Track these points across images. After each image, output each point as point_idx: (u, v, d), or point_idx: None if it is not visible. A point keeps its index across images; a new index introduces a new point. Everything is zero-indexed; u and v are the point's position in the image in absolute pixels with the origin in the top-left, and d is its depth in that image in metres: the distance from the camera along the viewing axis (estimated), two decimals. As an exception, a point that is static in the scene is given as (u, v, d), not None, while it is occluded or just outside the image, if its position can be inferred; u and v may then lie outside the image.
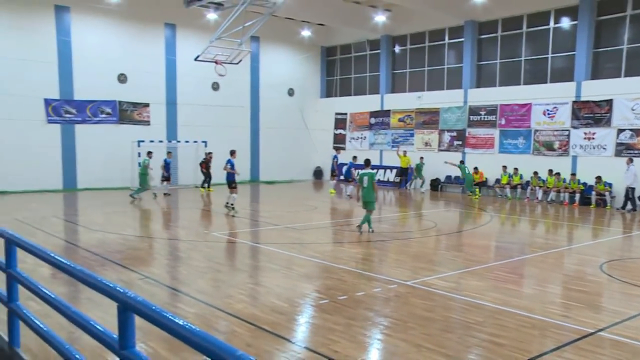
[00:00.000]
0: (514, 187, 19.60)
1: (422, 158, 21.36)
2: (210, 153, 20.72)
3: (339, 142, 26.68)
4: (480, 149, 21.09)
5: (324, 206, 16.84)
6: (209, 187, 20.77)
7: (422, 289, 6.91)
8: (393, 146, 23.86)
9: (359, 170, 10.87)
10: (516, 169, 19.71)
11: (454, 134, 21.95)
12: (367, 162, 11.15)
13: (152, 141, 21.00)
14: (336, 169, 20.05)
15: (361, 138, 25.58)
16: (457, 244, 10.40)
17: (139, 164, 18.18)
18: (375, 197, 10.79)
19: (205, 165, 20.35)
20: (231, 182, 13.72)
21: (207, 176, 20.32)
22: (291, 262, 8.38)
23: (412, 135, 23.42)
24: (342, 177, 20.19)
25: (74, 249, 9.39)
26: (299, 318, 5.71)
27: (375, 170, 10.50)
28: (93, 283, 2.81)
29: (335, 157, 19.94)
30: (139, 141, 20.73)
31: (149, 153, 18.09)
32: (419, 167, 20.83)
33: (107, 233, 11.03)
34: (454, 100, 21.76)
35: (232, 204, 13.86)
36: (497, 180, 20.35)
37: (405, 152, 21.86)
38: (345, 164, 19.80)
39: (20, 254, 3.93)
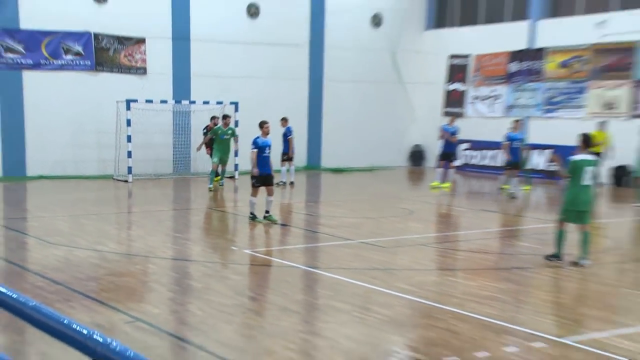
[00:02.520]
0: None
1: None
2: (215, 117, 20.84)
3: (453, 104, 27.48)
4: None
5: (426, 210, 17.18)
6: (220, 177, 21.17)
7: (591, 351, 6.90)
8: (547, 111, 24.26)
9: (572, 157, 10.49)
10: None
11: None
12: (586, 141, 10.55)
13: (149, 101, 21.79)
14: (452, 150, 20.66)
15: (492, 97, 26.16)
16: None
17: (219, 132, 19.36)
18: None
19: (210, 140, 20.49)
20: (262, 177, 13.65)
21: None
22: (369, 300, 8.64)
23: (581, 91, 23.56)
24: (455, 162, 20.67)
25: (19, 275, 9.62)
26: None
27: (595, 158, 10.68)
28: (53, 328, 2.81)
29: (448, 128, 20.36)
30: (129, 101, 21.15)
31: (226, 117, 19.54)
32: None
33: (75, 249, 11.30)
34: None
35: (254, 213, 14.13)
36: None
37: (603, 123, 20.21)
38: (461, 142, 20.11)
39: None
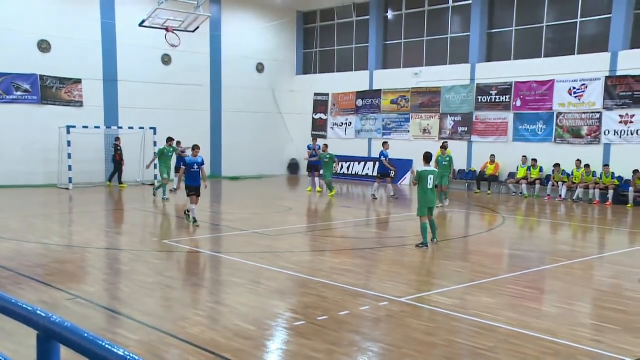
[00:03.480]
0: (531, 183, 19.65)
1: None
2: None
3: (318, 128, 27.29)
4: (489, 137, 21.52)
5: (301, 207, 17.09)
6: (119, 181, 21.10)
7: (420, 307, 7.02)
8: (384, 134, 24.55)
9: (417, 168, 10.89)
10: (535, 161, 19.84)
11: (459, 118, 22.47)
12: (428, 157, 11.04)
13: (85, 127, 20.80)
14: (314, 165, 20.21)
15: (346, 124, 26.28)
16: (463, 253, 10.59)
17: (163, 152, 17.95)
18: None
19: (117, 154, 20.93)
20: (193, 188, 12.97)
21: (117, 168, 21.08)
22: (260, 276, 8.51)
23: (407, 120, 24.06)
24: (317, 173, 20.13)
25: (-26, 264, 9.15)
26: (269, 344, 5.75)
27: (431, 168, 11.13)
28: (4, 307, 2.66)
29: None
30: (69, 127, 20.34)
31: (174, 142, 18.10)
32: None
33: (25, 242, 10.82)
34: (459, 78, 22.26)
35: (195, 218, 12.98)
36: (511, 175, 20.61)
37: (445, 144, 18.16)
38: (314, 157, 19.74)
39: None
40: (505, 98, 21.09)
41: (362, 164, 25.59)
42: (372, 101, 25.21)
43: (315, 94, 27.30)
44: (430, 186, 10.62)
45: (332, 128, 26.88)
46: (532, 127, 20.42)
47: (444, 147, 16.99)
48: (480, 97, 21.73)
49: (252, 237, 11.61)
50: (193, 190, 12.56)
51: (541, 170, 19.74)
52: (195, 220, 12.50)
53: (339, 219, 14.74)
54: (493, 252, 10.78)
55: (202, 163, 12.46)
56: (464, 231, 13.67)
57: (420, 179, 10.57)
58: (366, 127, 25.60)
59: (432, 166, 11.16)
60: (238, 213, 14.93)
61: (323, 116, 27.19)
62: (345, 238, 12.05)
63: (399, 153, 23.12)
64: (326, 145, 18.13)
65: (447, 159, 16.19)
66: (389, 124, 24.76)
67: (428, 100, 23.28)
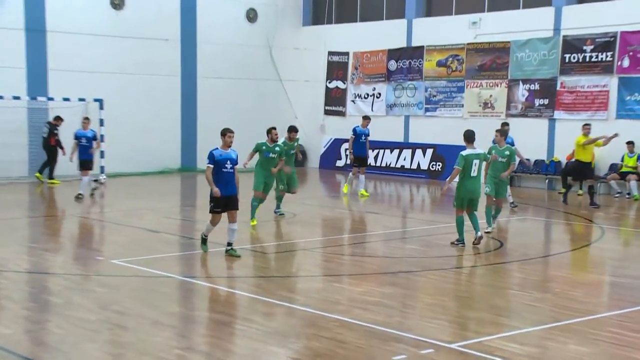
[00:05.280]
0: None
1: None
2: (58, 120, 20.75)
3: (334, 102, 27.46)
4: (581, 112, 21.47)
5: (310, 212, 17.21)
6: (50, 176, 21.10)
7: (478, 356, 7.01)
8: (427, 109, 24.68)
9: (462, 152, 12.09)
10: (631, 143, 20.15)
11: (536, 86, 22.48)
12: (470, 136, 12.23)
13: None
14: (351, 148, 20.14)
15: (373, 96, 26.28)
16: (541, 280, 10.76)
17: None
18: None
19: (53, 138, 21.08)
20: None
21: (52, 158, 21.23)
22: (251, 310, 8.61)
23: (460, 90, 24.09)
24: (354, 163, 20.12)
25: None
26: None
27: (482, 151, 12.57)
28: None
29: (361, 130, 19.73)
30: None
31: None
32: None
33: None
34: (537, 28, 22.29)
35: (206, 236, 12.04)
36: (613, 167, 20.84)
37: (587, 129, 18.29)
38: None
39: None
40: (606, 56, 21.08)
41: (397, 152, 25.70)
42: (410, 63, 25.35)
43: (330, 53, 27.49)
44: (474, 173, 11.93)
45: (353, 101, 26.93)
46: (645, 98, 20.51)
47: (502, 131, 14.87)
48: (567, 56, 21.82)
49: (241, 255, 11.59)
50: (227, 204, 11.50)
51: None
52: (231, 250, 11.68)
53: (363, 230, 14.94)
54: (586, 279, 11.00)
55: (236, 162, 11.54)
56: (543, 248, 13.76)
57: (464, 165, 11.81)
58: (402, 100, 25.62)
59: (477, 148, 12.24)
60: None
61: (341, 84, 27.24)
62: (372, 257, 12.24)
63: (447, 137, 23.05)
64: (295, 131, 16.94)
65: (506, 152, 14.04)
66: (434, 96, 24.77)
67: (491, 60, 23.38)
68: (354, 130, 19.70)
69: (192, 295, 9.68)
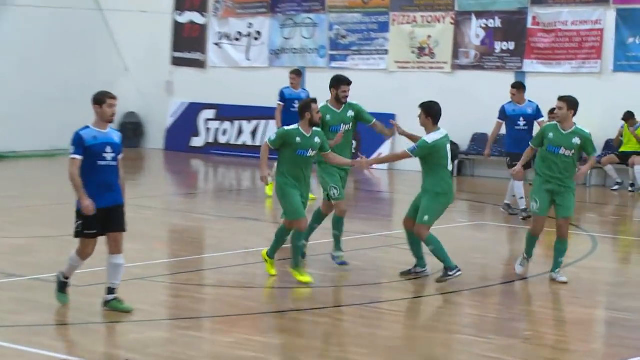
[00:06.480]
0: None
1: None
2: None
3: (186, 46, 27.37)
4: (562, 63, 21.49)
5: (145, 223, 15.90)
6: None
7: None
8: (333, 58, 24.67)
9: (425, 138, 11.57)
10: None
11: (496, 22, 22.40)
12: (439, 114, 11.73)
13: None
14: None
15: (249, 36, 26.18)
16: (505, 318, 10.35)
17: None
18: None
19: None
20: None
21: None
22: None
23: (383, 28, 23.96)
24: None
25: None
26: None
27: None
28: None
29: (291, 94, 19.12)
30: None
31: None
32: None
33: None
34: None
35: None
36: (609, 144, 21.26)
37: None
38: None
39: None
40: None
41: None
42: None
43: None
44: (450, 166, 11.88)
45: (217, 45, 26.59)
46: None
47: (560, 109, 13.17)
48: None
49: (32, 291, 10.78)
50: (107, 221, 10.61)
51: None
52: (115, 302, 10.72)
53: (235, 246, 14.39)
54: (570, 315, 10.63)
55: (120, 148, 10.91)
56: (506, 270, 13.08)
57: (430, 154, 11.53)
58: (294, 44, 25.45)
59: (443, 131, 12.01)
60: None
61: (198, 18, 26.92)
62: (248, 288, 11.59)
63: (365, 100, 22.08)
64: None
65: (575, 140, 12.47)
66: (343, 37, 24.48)
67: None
68: (282, 94, 19.15)
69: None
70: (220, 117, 26.70)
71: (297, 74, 19.76)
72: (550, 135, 12.20)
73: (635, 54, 20.56)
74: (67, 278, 10.54)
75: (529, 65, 21.71)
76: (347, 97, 13.00)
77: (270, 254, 12.42)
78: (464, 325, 10.32)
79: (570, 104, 12.06)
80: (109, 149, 10.22)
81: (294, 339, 9.37)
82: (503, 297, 11.77)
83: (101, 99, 10.25)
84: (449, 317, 10.76)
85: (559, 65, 21.24)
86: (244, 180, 22.93)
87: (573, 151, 12.03)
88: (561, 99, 12.29)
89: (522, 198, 16.64)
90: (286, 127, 12.37)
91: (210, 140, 26.61)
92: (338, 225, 13.31)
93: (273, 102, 23.90)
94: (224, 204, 19.50)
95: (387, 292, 11.78)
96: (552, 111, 17.26)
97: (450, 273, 11.56)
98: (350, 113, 12.98)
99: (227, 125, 26.48)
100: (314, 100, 12.19)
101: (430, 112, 11.50)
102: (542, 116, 17.62)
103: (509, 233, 16.60)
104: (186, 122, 27.15)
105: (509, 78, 21.19)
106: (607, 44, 20.74)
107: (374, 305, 10.90)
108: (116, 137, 10.47)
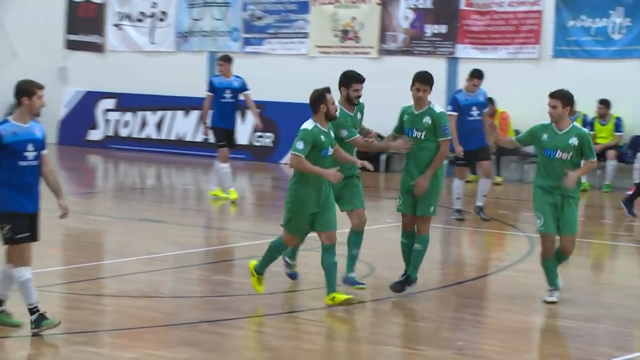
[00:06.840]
0: (599, 155, 20.33)
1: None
2: None
3: (82, 27, 27.38)
4: (498, 48, 22.21)
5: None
6: None
7: None
8: (247, 42, 25.23)
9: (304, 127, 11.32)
10: (604, 104, 20.67)
11: (427, 3, 23.07)
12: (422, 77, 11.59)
13: None
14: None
15: (152, 17, 26.45)
16: (433, 327, 10.64)
17: None
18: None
19: None
20: None
21: None
22: None
23: (303, 8, 24.59)
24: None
25: None
26: None
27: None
28: None
29: (223, 83, 19.17)
30: None
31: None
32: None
33: None
34: None
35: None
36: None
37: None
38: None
39: None
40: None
41: (195, 114, 24.71)
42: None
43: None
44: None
45: (117, 26, 26.67)
46: (598, 25, 20.85)
47: (554, 108, 13.10)
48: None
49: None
50: (33, 224, 10.71)
51: (618, 126, 20.80)
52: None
53: (137, 252, 14.34)
54: (506, 323, 10.71)
55: (43, 144, 10.76)
56: (436, 275, 13.35)
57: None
58: (203, 26, 25.75)
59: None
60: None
61: None
62: (152, 298, 11.54)
63: (282, 89, 23.61)
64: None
65: (572, 140, 12.18)
66: (258, 18, 24.95)
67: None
68: (211, 83, 19.29)
69: None
70: (121, 108, 26.59)
71: (226, 60, 19.62)
72: (544, 136, 11.54)
73: (576, 39, 21.04)
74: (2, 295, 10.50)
75: (462, 50, 22.31)
76: (359, 97, 12.20)
77: (259, 270, 11.92)
78: (391, 335, 10.31)
79: (565, 100, 11.36)
80: (30, 147, 10.00)
81: (204, 353, 9.20)
82: (434, 304, 11.75)
83: (30, 90, 10.03)
84: (374, 327, 10.66)
85: (495, 50, 21.85)
86: (148, 177, 22.98)
87: (571, 153, 11.43)
88: (553, 95, 11.51)
89: (458, 199, 16.74)
90: (306, 128, 11.48)
91: (110, 133, 26.51)
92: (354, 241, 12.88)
93: (180, 90, 25.07)
94: (125, 204, 19.55)
95: (307, 300, 11.69)
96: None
97: (412, 285, 11.37)
98: (359, 115, 12.46)
99: (128, 116, 26.40)
100: (328, 90, 11.45)
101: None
102: (487, 105, 17.72)
103: (442, 234, 16.41)
104: (82, 112, 27.02)
105: (441, 64, 22.31)
106: (547, 27, 21.31)
107: (294, 314, 10.91)
108: (38, 131, 10.20)
